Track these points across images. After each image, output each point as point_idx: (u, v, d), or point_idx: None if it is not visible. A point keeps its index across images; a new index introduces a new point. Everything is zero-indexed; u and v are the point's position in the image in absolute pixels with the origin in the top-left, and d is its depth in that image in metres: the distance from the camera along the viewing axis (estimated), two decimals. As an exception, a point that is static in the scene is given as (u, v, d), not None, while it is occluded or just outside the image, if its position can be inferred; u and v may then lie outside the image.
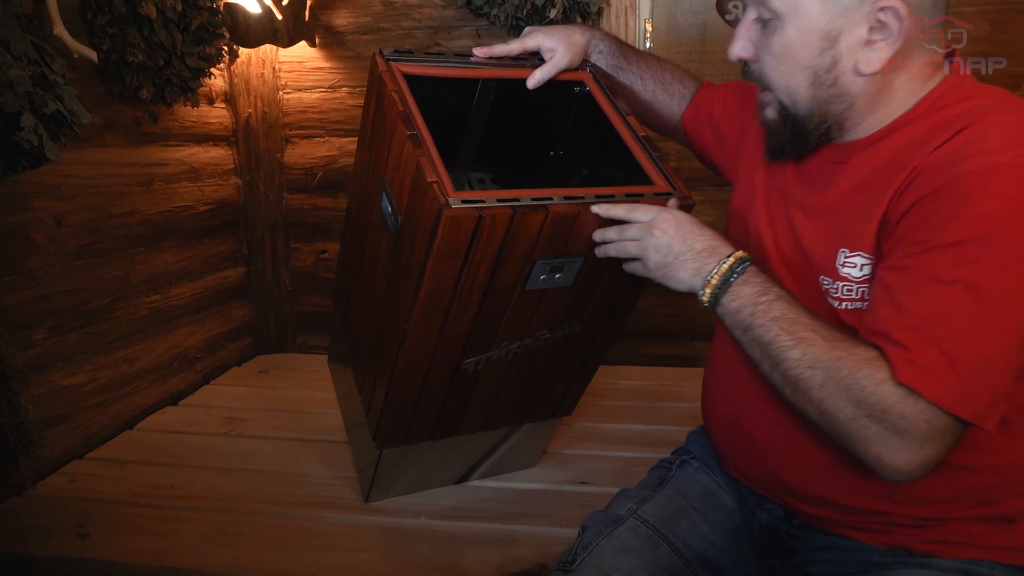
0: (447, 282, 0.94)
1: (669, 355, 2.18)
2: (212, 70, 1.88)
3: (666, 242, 0.86)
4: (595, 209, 0.92)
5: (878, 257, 0.78)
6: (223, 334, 2.17)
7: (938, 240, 0.71)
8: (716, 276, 0.83)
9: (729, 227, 1.01)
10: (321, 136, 2.26)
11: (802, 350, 0.75)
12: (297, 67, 2.22)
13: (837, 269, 0.81)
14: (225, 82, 2.17)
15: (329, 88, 2.22)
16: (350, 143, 2.24)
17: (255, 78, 2.20)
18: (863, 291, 0.80)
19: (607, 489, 1.36)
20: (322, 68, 2.21)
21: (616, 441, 1.62)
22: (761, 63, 0.84)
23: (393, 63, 1.02)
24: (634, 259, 0.90)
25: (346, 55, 2.19)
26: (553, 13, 1.95)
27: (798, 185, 0.90)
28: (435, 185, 0.87)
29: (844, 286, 0.81)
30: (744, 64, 0.87)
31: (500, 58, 1.08)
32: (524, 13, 1.98)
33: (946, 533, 0.82)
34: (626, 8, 2.01)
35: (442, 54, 1.07)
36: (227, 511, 1.35)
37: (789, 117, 0.85)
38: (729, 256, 0.83)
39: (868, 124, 0.83)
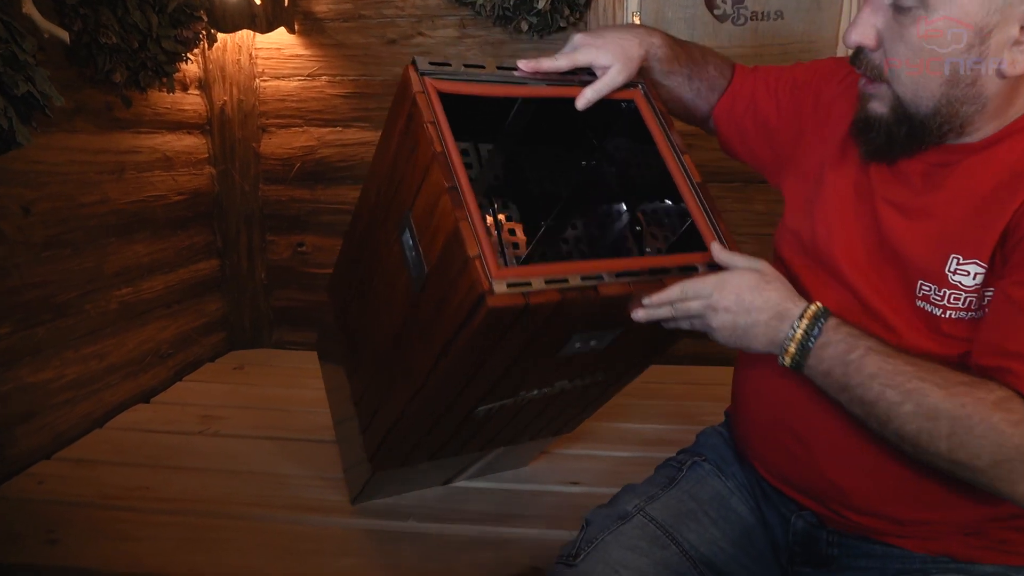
0: (475, 354, 0.87)
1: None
2: (188, 55, 1.81)
3: (730, 320, 0.81)
4: (646, 302, 0.84)
5: (992, 267, 0.76)
6: (196, 329, 2.10)
7: None
8: (792, 344, 0.78)
9: (786, 218, 0.97)
10: (300, 126, 2.20)
11: (915, 403, 0.72)
12: (275, 54, 2.15)
13: (946, 276, 0.78)
14: (200, 69, 2.10)
15: (308, 76, 2.16)
16: (330, 133, 2.19)
17: (231, 65, 2.13)
18: (971, 300, 0.77)
19: (599, 489, 1.34)
20: (301, 56, 2.14)
21: (607, 440, 1.60)
22: (887, 53, 0.78)
23: (428, 79, 0.88)
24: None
25: (326, 43, 2.13)
26: (541, 4, 1.91)
27: (891, 182, 0.85)
28: (477, 263, 0.77)
29: (952, 294, 0.78)
30: (858, 51, 0.81)
31: (547, 73, 0.97)
32: (511, 3, 1.94)
33: (989, 540, 0.81)
34: (614, 0, 1.98)
35: (482, 66, 0.93)
36: (206, 514, 1.30)
37: (906, 115, 0.79)
38: (801, 318, 0.78)
39: (988, 127, 0.79)
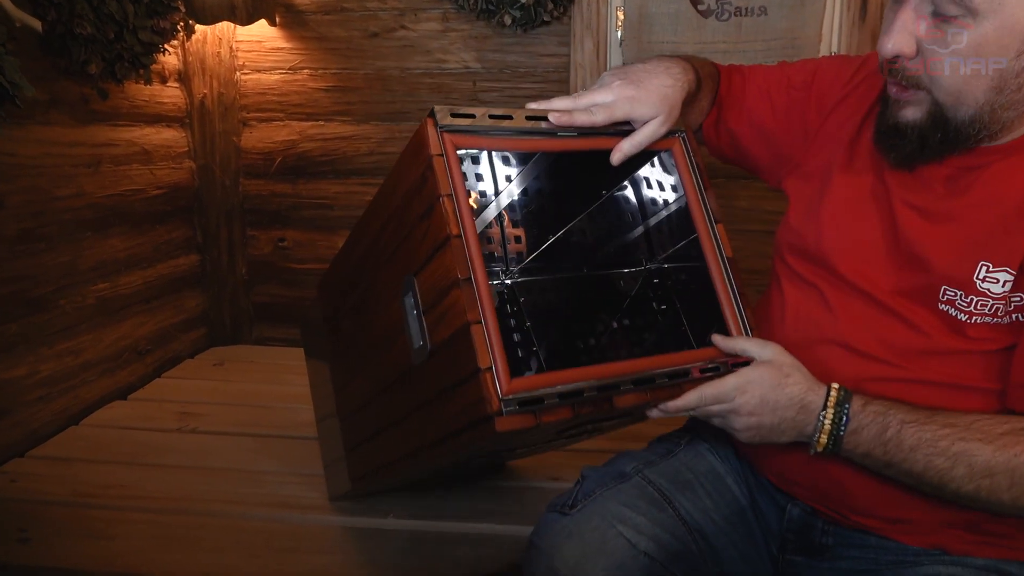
0: (473, 448, 0.85)
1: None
2: (166, 46, 1.79)
3: (755, 421, 0.80)
4: (662, 408, 0.82)
5: (1020, 274, 0.75)
6: (175, 325, 2.08)
7: None
8: (823, 435, 0.78)
9: (791, 218, 0.96)
10: (281, 120, 2.17)
11: (967, 465, 0.73)
12: (256, 47, 2.13)
13: (975, 283, 0.77)
14: (179, 61, 2.07)
15: (290, 70, 2.14)
16: (311, 127, 2.16)
17: (211, 57, 2.10)
18: (998, 307, 0.77)
19: (581, 486, 1.33)
20: (282, 48, 2.12)
21: (587, 436, 1.59)
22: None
23: (448, 136, 0.79)
24: None
25: (308, 35, 2.10)
26: (524, -2, 1.90)
27: (910, 185, 0.84)
28: (488, 377, 0.72)
29: (979, 301, 0.77)
30: (892, 59, 0.78)
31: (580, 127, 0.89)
32: (494, -3, 1.92)
33: (983, 534, 0.81)
34: (598, -5, 1.97)
35: (510, 116, 0.83)
36: (182, 512, 1.28)
37: (943, 121, 0.77)
38: (825, 408, 0.78)
39: (1019, 130, 0.78)
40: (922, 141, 0.79)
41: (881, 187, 0.87)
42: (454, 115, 0.80)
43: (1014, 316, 0.77)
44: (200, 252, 2.20)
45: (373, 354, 1.01)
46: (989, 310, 0.77)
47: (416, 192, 0.82)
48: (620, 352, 1.12)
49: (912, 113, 0.79)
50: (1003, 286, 0.76)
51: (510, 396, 0.73)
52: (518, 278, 1.23)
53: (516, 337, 1.18)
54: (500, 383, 0.73)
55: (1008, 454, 0.72)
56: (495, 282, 1.20)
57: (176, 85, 2.07)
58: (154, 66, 1.92)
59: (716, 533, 0.92)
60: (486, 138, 0.83)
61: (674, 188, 1.00)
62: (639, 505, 0.88)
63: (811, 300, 0.90)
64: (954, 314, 0.79)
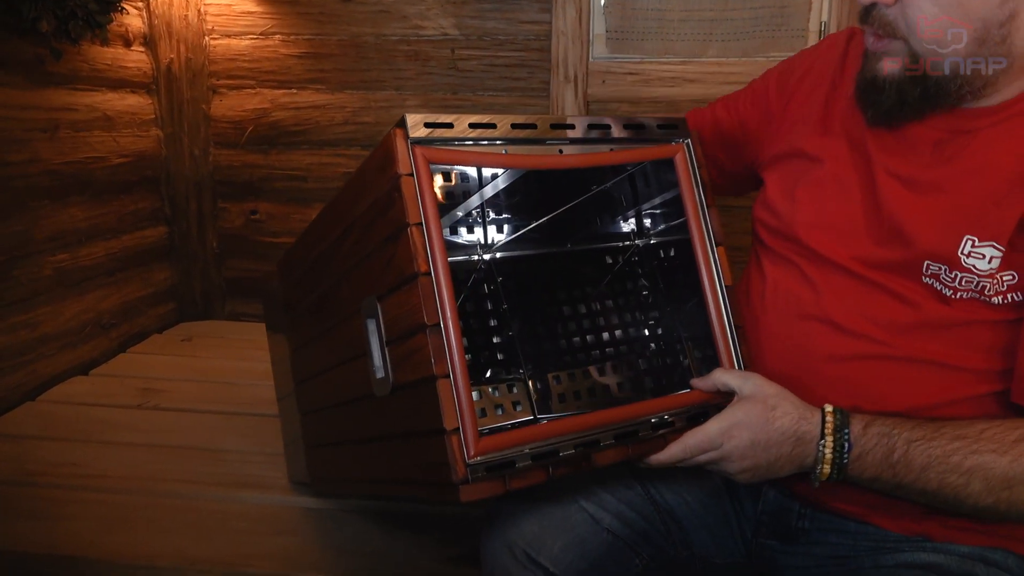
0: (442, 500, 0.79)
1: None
2: (125, 5, 1.70)
3: (750, 464, 0.75)
4: (647, 462, 0.76)
5: (1010, 250, 0.70)
6: (142, 298, 2.01)
7: None
8: (826, 465, 0.73)
9: (768, 195, 0.91)
10: (252, 87, 2.09)
11: (982, 480, 0.69)
12: (225, 10, 2.04)
13: (960, 259, 0.72)
14: (144, 24, 1.98)
15: (261, 35, 2.05)
16: (283, 95, 2.09)
17: (178, 20, 2.02)
18: (984, 285, 0.72)
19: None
20: (253, 13, 2.04)
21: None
22: (905, 7, 0.72)
23: (420, 151, 0.69)
24: None
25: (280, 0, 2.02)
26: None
27: (895, 152, 0.79)
28: (454, 440, 0.66)
29: (964, 277, 0.73)
30: (870, 7, 0.74)
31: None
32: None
33: (967, 521, 0.77)
34: (581, -42, 1.89)
35: (493, 125, 0.74)
36: (135, 492, 1.22)
37: (922, 74, 0.73)
38: (823, 437, 0.73)
39: (1008, 89, 0.73)
40: (900, 95, 0.75)
41: (862, 158, 0.82)
42: (428, 125, 0.71)
43: (1007, 297, 0.73)
44: (168, 224, 2.13)
45: (334, 362, 0.94)
46: (975, 287, 0.73)
47: (382, 210, 0.73)
48: (602, 337, 1.06)
49: (890, 65, 0.75)
50: (989, 263, 0.71)
51: (477, 460, 0.66)
52: (497, 255, 1.17)
53: (492, 322, 1.13)
54: (467, 446, 0.66)
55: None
56: (473, 257, 1.14)
57: (141, 49, 1.98)
58: (117, 28, 1.84)
59: (688, 515, 0.88)
60: (466, 151, 0.74)
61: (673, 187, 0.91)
62: (605, 481, 0.85)
63: (791, 277, 0.86)
64: (939, 288, 0.75)
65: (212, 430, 1.46)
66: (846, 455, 0.72)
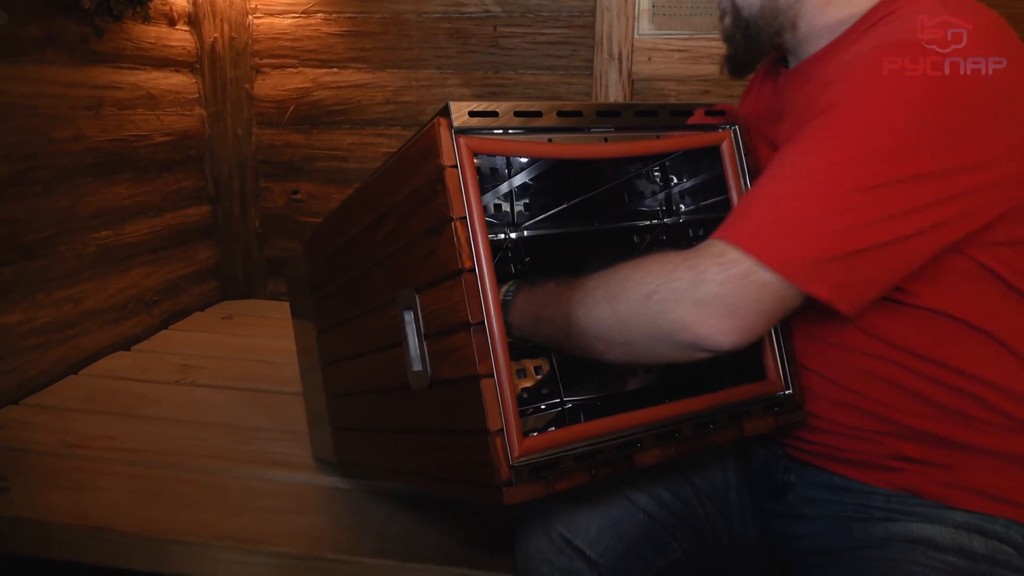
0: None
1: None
2: (168, -16, 1.71)
3: None
4: None
5: None
6: (185, 277, 2.03)
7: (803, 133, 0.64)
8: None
9: None
10: (294, 66, 2.09)
11: (580, 289, 0.68)
12: (268, -12, 2.04)
13: None
14: (188, 2, 1.99)
15: (303, 13, 2.04)
16: (325, 74, 2.08)
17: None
18: None
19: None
20: (295, -10, 2.03)
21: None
22: None
23: (465, 141, 0.67)
24: None
25: (321, -24, 2.01)
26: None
27: (771, 119, 0.81)
28: (498, 441, 0.64)
29: None
30: None
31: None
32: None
33: (961, 477, 0.71)
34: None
35: (539, 113, 0.72)
36: (167, 466, 1.23)
37: (742, 20, 0.79)
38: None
39: (821, 31, 0.75)
40: (734, 44, 0.81)
41: (756, 131, 0.84)
42: (473, 114, 0.68)
43: None
44: (212, 203, 2.15)
45: (365, 349, 0.92)
46: None
47: (423, 201, 0.71)
48: None
49: (727, 21, 0.81)
50: None
51: (521, 461, 0.64)
52: (525, 233, 1.13)
53: None
54: (511, 447, 0.64)
55: (616, 270, 0.67)
56: (500, 236, 1.11)
57: (185, 28, 1.99)
58: (161, 7, 1.85)
59: (730, 497, 0.86)
60: (511, 141, 0.71)
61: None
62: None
63: None
64: None
65: (246, 407, 1.46)
66: (508, 295, 0.75)
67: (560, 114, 0.73)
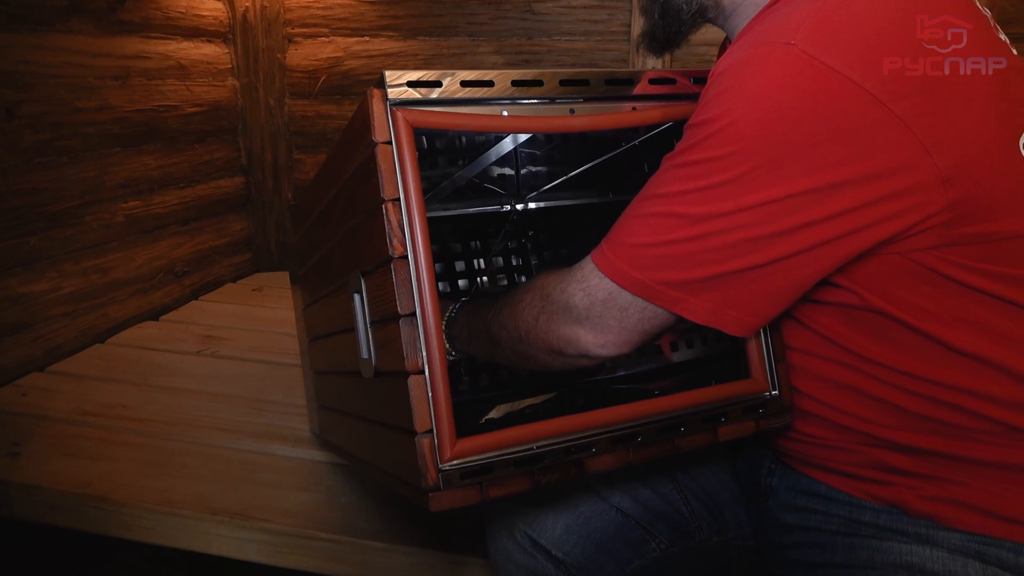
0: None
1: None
2: (193, -50, 1.69)
3: None
4: None
5: None
6: (216, 248, 2.04)
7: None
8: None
9: None
10: (326, 35, 2.06)
11: (497, 309, 0.69)
12: (299, -44, 2.01)
13: None
14: (220, -29, 1.98)
15: (334, -20, 2.01)
16: (357, 43, 2.04)
17: (253, -33, 2.00)
18: None
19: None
20: (326, -43, 1.99)
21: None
22: None
23: (403, 114, 0.61)
24: None
25: (351, -58, 1.96)
26: None
27: None
28: (425, 443, 0.59)
29: None
30: None
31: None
32: None
33: (955, 491, 0.62)
34: None
35: (491, 83, 0.65)
36: (174, 437, 1.23)
37: None
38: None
39: (748, 5, 0.68)
40: (650, 19, 0.75)
41: None
42: (412, 84, 0.62)
43: None
44: (245, 174, 2.15)
45: (334, 329, 0.88)
46: None
47: (363, 179, 0.66)
48: None
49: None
50: None
51: (451, 465, 0.59)
52: (530, 205, 1.07)
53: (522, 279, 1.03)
54: (441, 450, 0.59)
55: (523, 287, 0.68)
56: (504, 207, 1.05)
57: (217, -2, 1.98)
58: (191, -25, 1.84)
59: (724, 497, 0.80)
60: (458, 114, 0.64)
61: None
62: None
63: None
64: None
65: (261, 380, 1.45)
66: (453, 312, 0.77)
67: (516, 84, 0.65)
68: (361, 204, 0.68)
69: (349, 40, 2.05)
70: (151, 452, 1.18)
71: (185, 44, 1.86)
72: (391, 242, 0.61)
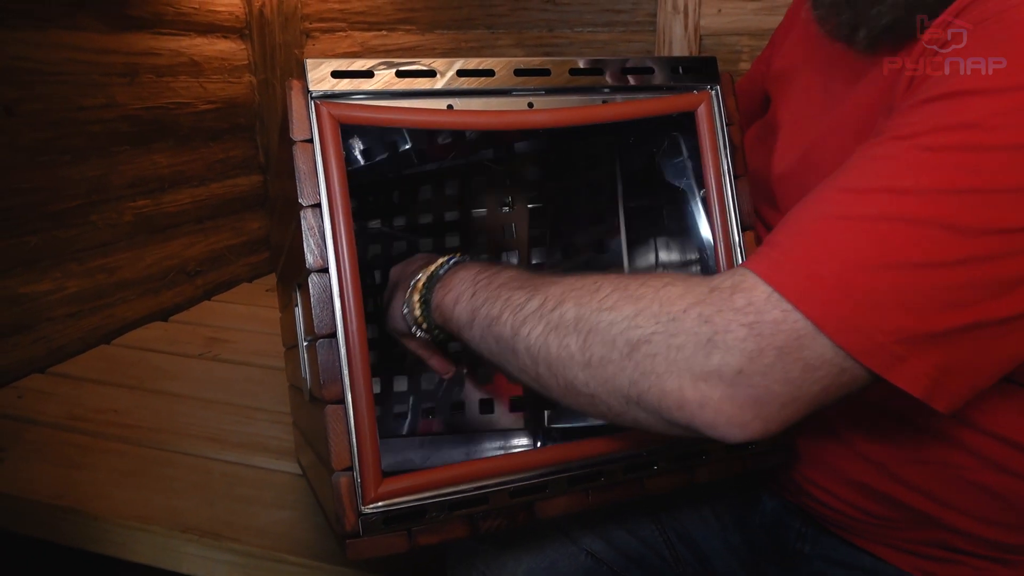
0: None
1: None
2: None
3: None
4: None
5: None
6: (232, 247, 2.01)
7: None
8: (424, 276, 0.60)
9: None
10: (343, 30, 2.01)
11: (543, 295, 0.48)
12: (315, -52, 1.96)
13: None
14: (236, -34, 1.95)
15: (350, -27, 1.95)
16: (374, 38, 1.99)
17: (269, -39, 1.96)
18: None
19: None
20: (342, -51, 1.94)
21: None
22: None
23: (328, 109, 0.54)
24: None
25: (367, -67, 1.91)
26: None
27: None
28: (343, 483, 0.52)
29: None
30: None
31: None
32: None
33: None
34: None
35: (432, 72, 0.57)
36: (157, 446, 1.19)
37: None
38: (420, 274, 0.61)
39: None
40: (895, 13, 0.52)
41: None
42: (338, 75, 0.55)
43: None
44: (263, 173, 2.12)
45: (290, 343, 0.81)
46: None
47: (290, 178, 0.59)
48: None
49: None
50: None
51: (375, 509, 0.52)
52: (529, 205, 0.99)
53: None
54: (363, 490, 0.52)
55: (590, 280, 0.47)
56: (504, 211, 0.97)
57: (233, -7, 1.95)
58: (205, -30, 1.81)
59: (712, 542, 0.70)
60: (393, 107, 0.56)
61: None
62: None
63: None
64: None
65: (257, 385, 1.41)
66: (443, 269, 0.60)
67: (462, 73, 0.57)
68: (291, 208, 0.62)
69: (366, 35, 1.99)
70: (132, 461, 1.14)
71: (199, 40, 1.83)
72: (310, 253, 0.54)
